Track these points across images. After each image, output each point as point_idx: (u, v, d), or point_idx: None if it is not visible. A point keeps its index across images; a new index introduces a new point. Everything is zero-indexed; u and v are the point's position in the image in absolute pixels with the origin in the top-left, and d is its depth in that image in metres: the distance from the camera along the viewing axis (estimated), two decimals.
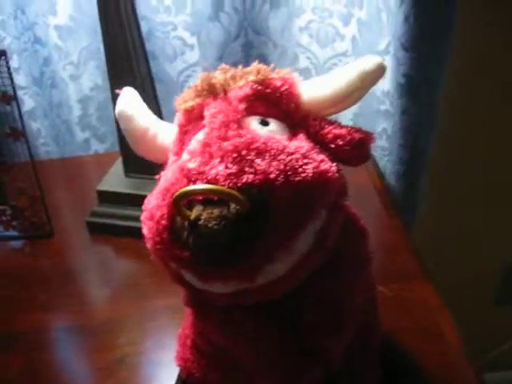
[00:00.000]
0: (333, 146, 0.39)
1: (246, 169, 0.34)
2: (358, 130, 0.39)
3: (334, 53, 0.84)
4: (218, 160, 0.34)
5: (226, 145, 0.35)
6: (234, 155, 0.34)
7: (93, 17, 0.80)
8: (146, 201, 0.39)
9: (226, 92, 0.39)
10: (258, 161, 0.34)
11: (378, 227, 0.71)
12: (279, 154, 0.34)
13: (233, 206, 0.33)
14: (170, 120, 0.45)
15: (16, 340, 0.59)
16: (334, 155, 0.38)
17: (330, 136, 0.39)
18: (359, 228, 0.42)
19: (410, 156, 0.85)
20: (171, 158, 0.41)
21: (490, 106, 0.95)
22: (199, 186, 0.34)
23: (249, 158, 0.34)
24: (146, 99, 0.63)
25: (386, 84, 0.80)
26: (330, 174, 0.36)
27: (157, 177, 0.40)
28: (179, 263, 0.36)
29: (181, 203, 0.34)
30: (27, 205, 0.69)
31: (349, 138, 0.39)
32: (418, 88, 0.79)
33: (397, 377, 0.50)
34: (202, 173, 0.34)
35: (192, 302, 0.42)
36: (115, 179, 0.71)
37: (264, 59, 0.84)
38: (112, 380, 0.54)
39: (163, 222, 0.35)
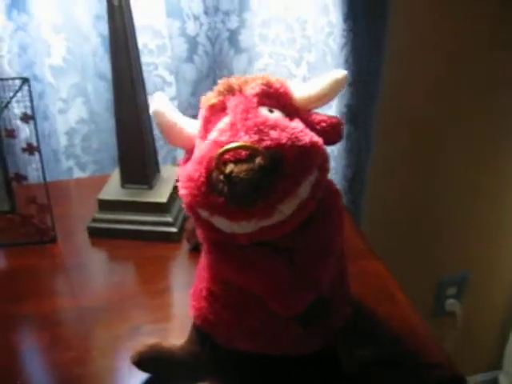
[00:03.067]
0: (318, 127, 0.53)
1: (265, 137, 0.48)
2: (334, 117, 0.55)
3: None
4: (243, 133, 0.48)
5: (248, 122, 0.49)
6: (255, 129, 0.48)
7: (82, 59, 0.94)
8: (181, 172, 0.52)
9: (241, 91, 0.53)
10: (272, 132, 0.48)
11: None
12: (286, 128, 0.49)
13: (257, 161, 0.46)
14: None
15: (38, 319, 0.69)
16: (318, 135, 0.53)
17: (316, 120, 0.54)
18: (335, 189, 0.57)
19: (352, 174, 1.02)
20: (198, 141, 0.54)
21: (417, 130, 1.15)
22: (235, 143, 0.47)
23: (265, 130, 0.48)
24: (144, 121, 0.77)
25: (331, 113, 0.97)
26: (319, 144, 0.51)
27: (181, 162, 0.55)
28: (214, 209, 0.48)
29: (221, 159, 0.47)
30: (35, 213, 0.79)
31: (329, 121, 0.54)
32: (357, 116, 0.97)
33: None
34: (233, 142, 0.48)
35: (215, 246, 0.54)
36: (112, 190, 0.83)
37: None
38: (131, 343, 0.64)
39: (201, 179, 0.48)
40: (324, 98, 0.55)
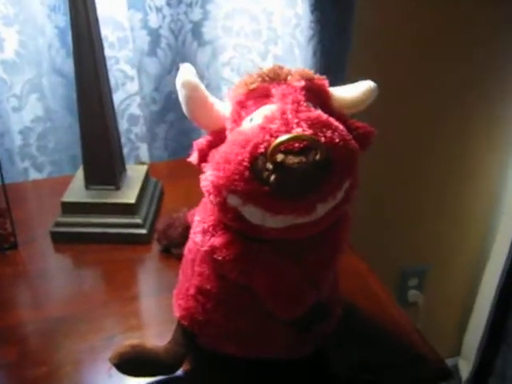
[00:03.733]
0: (354, 133, 0.51)
1: (319, 133, 0.45)
2: (368, 126, 0.53)
3: None
4: (295, 125, 0.45)
5: (301, 115, 0.46)
6: (309, 123, 0.45)
7: (37, 53, 0.88)
8: (213, 153, 0.48)
9: (285, 80, 0.50)
10: (325, 129, 0.46)
11: None
12: (337, 129, 0.47)
13: (312, 155, 0.44)
14: None
15: (2, 333, 0.64)
16: None
17: (353, 126, 0.52)
18: None
19: None
20: (229, 124, 0.51)
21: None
22: (298, 134, 0.44)
23: (318, 126, 0.45)
24: (109, 117, 0.73)
25: None
26: (358, 150, 0.49)
27: (198, 143, 0.51)
28: (252, 197, 0.45)
29: (277, 148, 0.43)
30: None
31: (364, 129, 0.52)
32: None
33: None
34: (284, 131, 0.44)
35: (227, 237, 0.50)
36: (76, 191, 0.78)
37: None
38: (107, 354, 0.60)
39: (245, 163, 0.44)
40: (358, 105, 0.54)
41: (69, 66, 0.90)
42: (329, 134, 0.46)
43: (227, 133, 0.50)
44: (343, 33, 0.92)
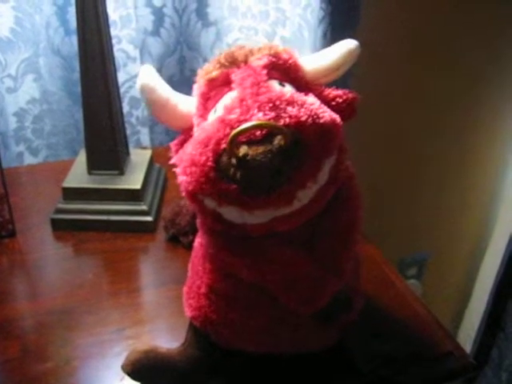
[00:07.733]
0: (333, 103, 0.48)
1: (282, 114, 0.41)
2: (350, 92, 0.49)
3: None
4: (256, 110, 0.42)
5: (262, 98, 0.42)
6: (270, 105, 0.42)
7: (33, 31, 0.84)
8: (179, 156, 0.45)
9: (246, 62, 0.47)
10: (290, 108, 0.42)
11: None
12: (304, 104, 0.43)
13: (275, 142, 0.40)
14: None
15: (2, 327, 0.60)
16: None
17: (331, 96, 0.48)
18: (351, 172, 0.52)
19: None
20: (196, 120, 0.48)
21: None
22: (251, 122, 0.40)
23: (282, 106, 0.42)
24: (114, 99, 0.69)
25: None
26: (338, 121, 0.45)
27: (173, 144, 0.48)
28: (224, 197, 0.42)
29: (234, 141, 0.40)
30: None
31: (345, 97, 0.48)
32: None
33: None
34: (244, 120, 0.41)
35: (221, 237, 0.47)
36: (78, 176, 0.74)
37: (195, 73, 0.92)
38: (117, 349, 0.57)
39: (209, 163, 0.41)
40: (336, 71, 0.50)
41: (67, 46, 0.86)
42: (294, 112, 0.42)
43: (194, 130, 0.47)
44: (354, 13, 0.89)
